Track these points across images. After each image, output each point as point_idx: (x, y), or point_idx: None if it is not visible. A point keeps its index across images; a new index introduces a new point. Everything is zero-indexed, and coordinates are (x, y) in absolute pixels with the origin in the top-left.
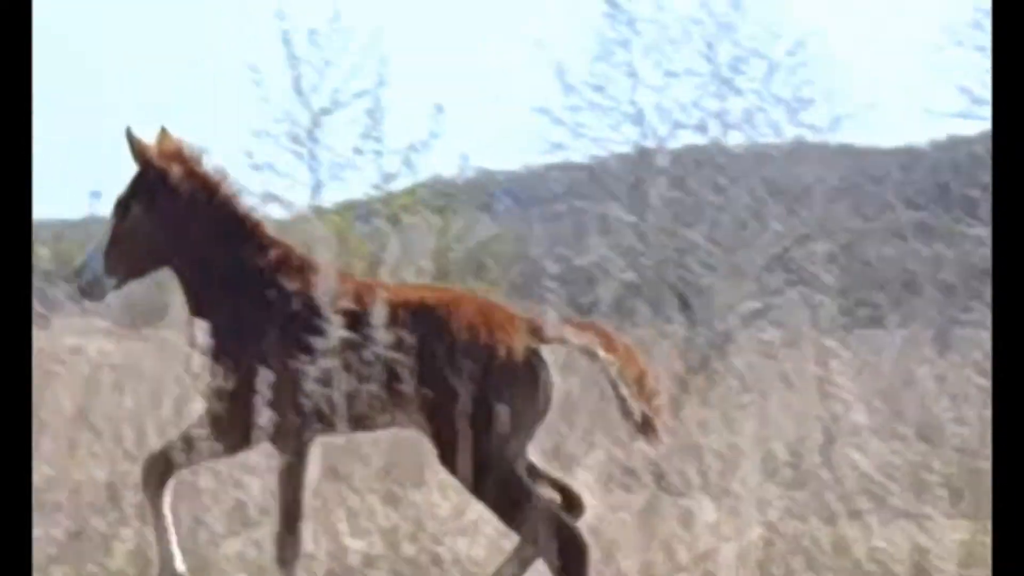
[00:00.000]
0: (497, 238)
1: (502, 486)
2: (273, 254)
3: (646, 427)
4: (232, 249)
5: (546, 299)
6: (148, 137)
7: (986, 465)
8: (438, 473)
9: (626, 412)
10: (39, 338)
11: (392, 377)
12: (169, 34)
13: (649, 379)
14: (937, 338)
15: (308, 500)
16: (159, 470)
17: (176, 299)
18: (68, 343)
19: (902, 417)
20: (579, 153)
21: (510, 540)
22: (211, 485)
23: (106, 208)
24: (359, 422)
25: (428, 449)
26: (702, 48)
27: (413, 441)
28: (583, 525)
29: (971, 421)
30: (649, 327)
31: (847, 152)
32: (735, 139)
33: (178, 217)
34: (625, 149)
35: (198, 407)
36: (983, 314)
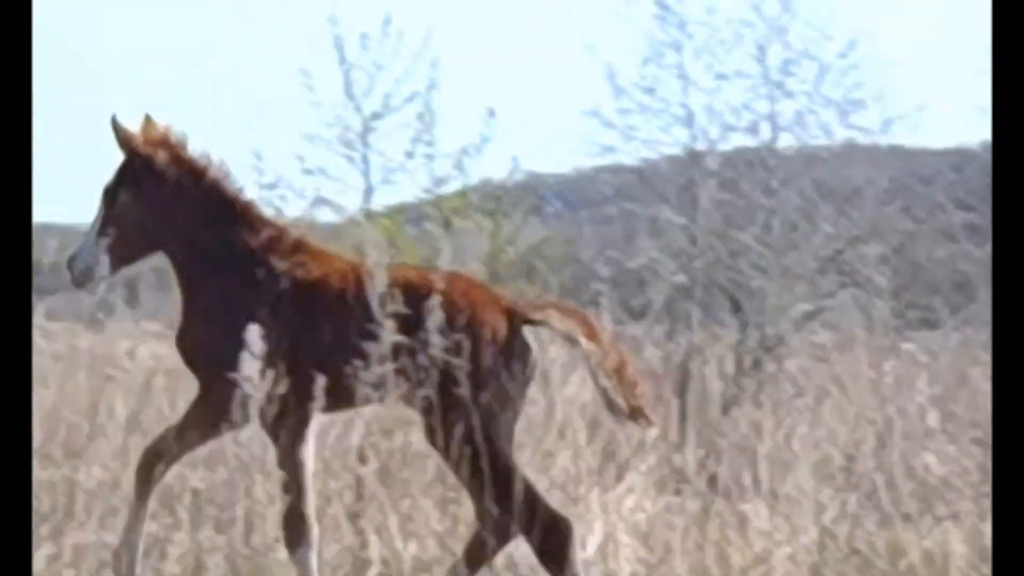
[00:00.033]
0: (547, 241)
1: (490, 465)
2: (265, 234)
3: (635, 413)
4: (221, 231)
5: (598, 303)
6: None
7: None
8: None
9: (608, 401)
10: (95, 343)
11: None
12: (169, 34)
13: (628, 370)
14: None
15: (310, 482)
16: (153, 463)
17: None
18: (124, 347)
19: (956, 419)
20: (629, 156)
21: None
22: (267, 490)
23: None
24: (343, 399)
25: None
26: (753, 50)
27: None
28: (637, 530)
29: None
30: (701, 330)
31: (897, 153)
32: (786, 141)
33: (165, 203)
34: (675, 151)
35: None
36: None
